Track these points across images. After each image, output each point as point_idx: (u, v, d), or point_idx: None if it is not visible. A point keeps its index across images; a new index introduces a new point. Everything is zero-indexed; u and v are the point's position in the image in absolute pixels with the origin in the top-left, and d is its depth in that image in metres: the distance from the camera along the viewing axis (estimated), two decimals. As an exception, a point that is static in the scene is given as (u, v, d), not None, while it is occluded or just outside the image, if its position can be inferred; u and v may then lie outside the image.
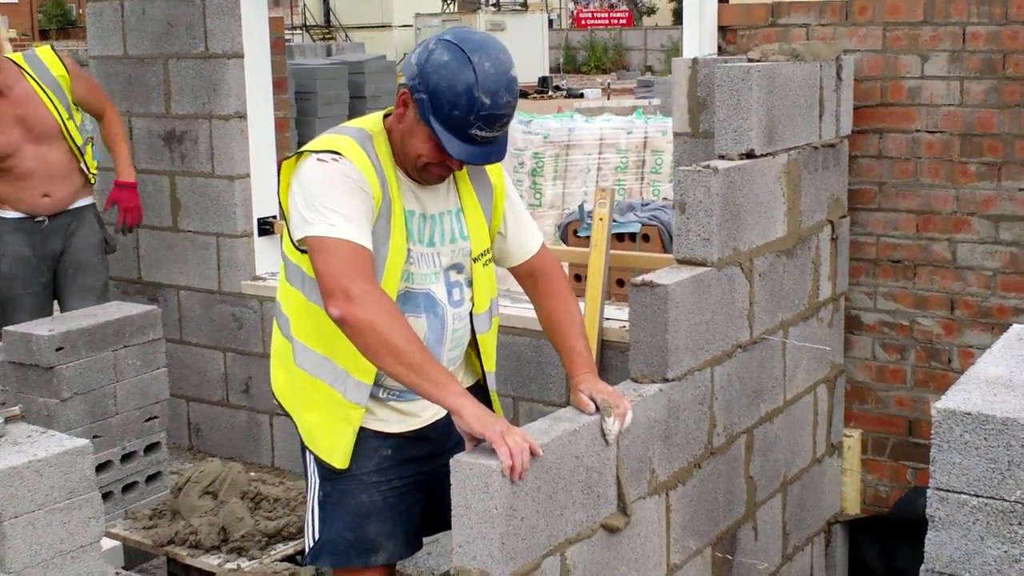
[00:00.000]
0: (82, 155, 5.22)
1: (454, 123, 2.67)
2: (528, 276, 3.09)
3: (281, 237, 3.04)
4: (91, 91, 5.35)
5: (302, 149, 2.81)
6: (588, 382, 2.90)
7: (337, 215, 2.67)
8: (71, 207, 5.22)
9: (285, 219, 2.86)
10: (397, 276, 2.82)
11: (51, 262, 5.22)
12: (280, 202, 2.89)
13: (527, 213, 3.12)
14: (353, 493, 2.93)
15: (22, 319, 4.97)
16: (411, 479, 3.00)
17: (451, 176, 2.91)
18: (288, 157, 2.87)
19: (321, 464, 2.94)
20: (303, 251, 2.81)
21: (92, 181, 5.33)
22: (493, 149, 2.73)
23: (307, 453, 2.98)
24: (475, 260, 2.97)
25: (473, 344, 3.06)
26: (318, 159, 2.74)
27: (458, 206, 2.95)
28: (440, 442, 3.00)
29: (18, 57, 5.15)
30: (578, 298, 3.18)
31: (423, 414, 2.99)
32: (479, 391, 3.07)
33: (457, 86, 2.64)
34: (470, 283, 3.00)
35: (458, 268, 2.96)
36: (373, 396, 2.91)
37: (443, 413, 2.92)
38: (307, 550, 3.02)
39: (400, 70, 2.88)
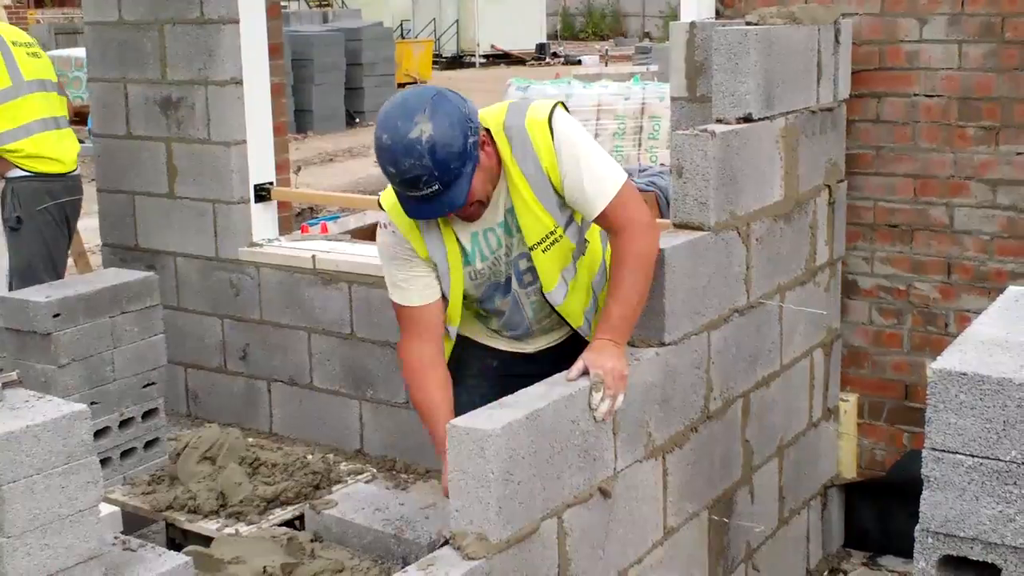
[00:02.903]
0: None
1: (395, 189, 2.95)
2: (608, 232, 3.15)
3: None
4: None
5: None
6: (596, 350, 2.94)
7: (390, 284, 3.17)
8: None
9: None
10: (460, 291, 3.15)
11: None
12: None
13: (594, 176, 3.03)
14: (457, 392, 3.21)
15: None
16: (511, 391, 3.06)
17: (503, 179, 3.05)
18: None
19: None
20: None
21: None
22: (437, 205, 2.89)
23: None
24: (532, 249, 3.11)
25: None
26: (379, 226, 3.15)
27: (510, 205, 3.08)
28: (546, 365, 3.06)
29: None
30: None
31: (529, 347, 3.31)
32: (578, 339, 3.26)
33: (379, 162, 2.90)
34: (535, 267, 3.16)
35: (526, 257, 3.14)
36: (485, 325, 3.32)
37: (551, 344, 3.29)
38: None
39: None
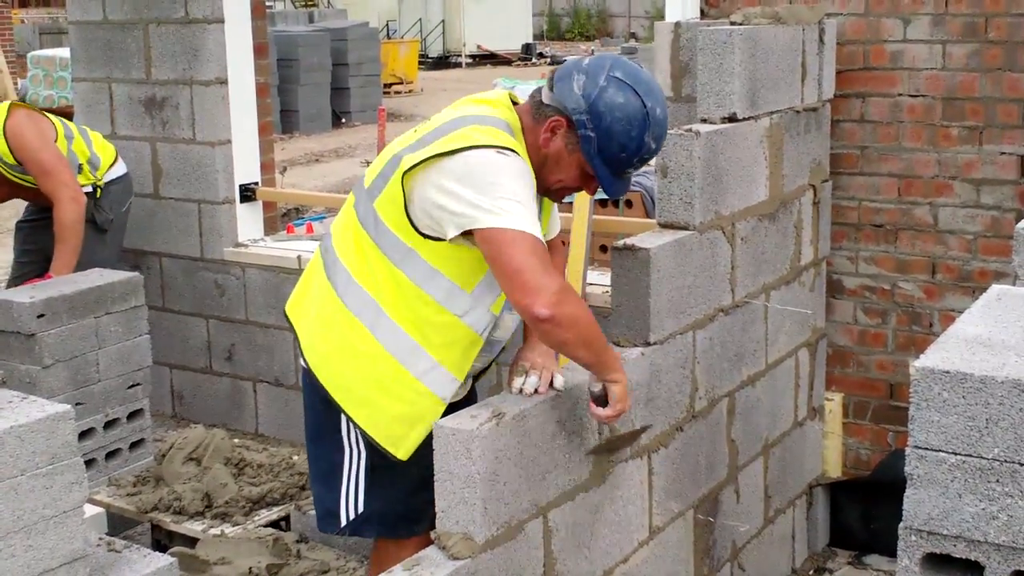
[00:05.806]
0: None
1: (617, 163, 2.71)
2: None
3: (380, 219, 2.78)
4: (38, 174, 5.10)
5: (459, 146, 2.65)
6: (525, 348, 2.90)
7: (522, 208, 2.59)
8: None
9: (400, 205, 2.72)
10: None
11: None
12: (400, 189, 2.72)
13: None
14: (405, 465, 2.83)
15: None
16: None
17: None
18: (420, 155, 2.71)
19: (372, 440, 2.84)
20: (426, 236, 2.71)
21: None
22: (628, 183, 2.81)
23: (350, 423, 2.85)
24: None
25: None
26: (498, 152, 2.64)
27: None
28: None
29: None
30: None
31: (466, 388, 2.98)
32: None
33: (632, 130, 2.68)
34: None
35: None
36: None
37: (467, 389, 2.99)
38: (345, 520, 2.93)
39: (556, 97, 2.76)
